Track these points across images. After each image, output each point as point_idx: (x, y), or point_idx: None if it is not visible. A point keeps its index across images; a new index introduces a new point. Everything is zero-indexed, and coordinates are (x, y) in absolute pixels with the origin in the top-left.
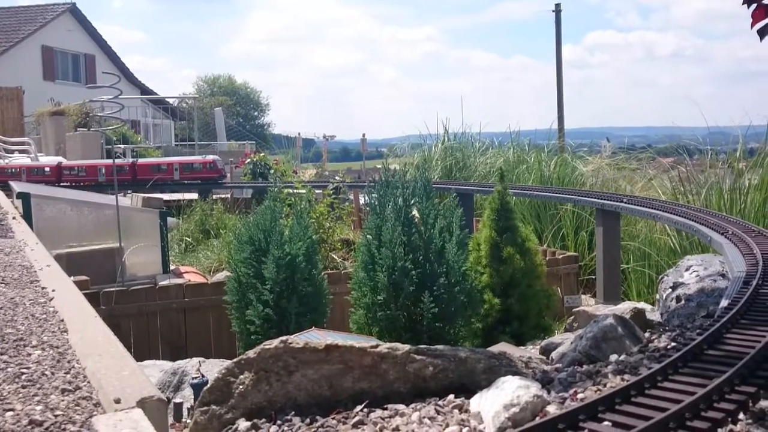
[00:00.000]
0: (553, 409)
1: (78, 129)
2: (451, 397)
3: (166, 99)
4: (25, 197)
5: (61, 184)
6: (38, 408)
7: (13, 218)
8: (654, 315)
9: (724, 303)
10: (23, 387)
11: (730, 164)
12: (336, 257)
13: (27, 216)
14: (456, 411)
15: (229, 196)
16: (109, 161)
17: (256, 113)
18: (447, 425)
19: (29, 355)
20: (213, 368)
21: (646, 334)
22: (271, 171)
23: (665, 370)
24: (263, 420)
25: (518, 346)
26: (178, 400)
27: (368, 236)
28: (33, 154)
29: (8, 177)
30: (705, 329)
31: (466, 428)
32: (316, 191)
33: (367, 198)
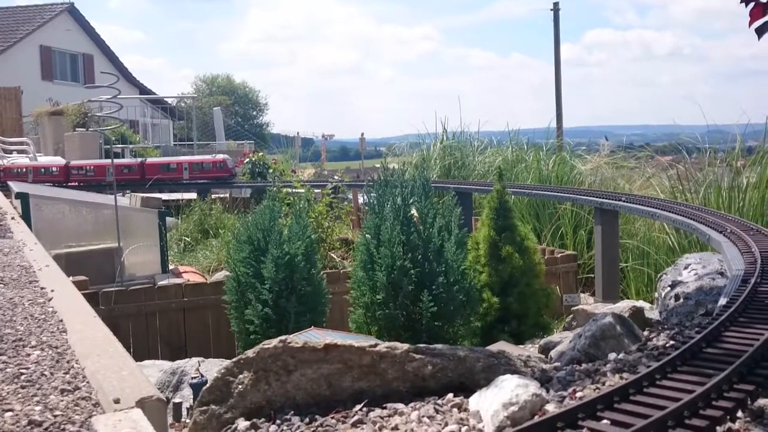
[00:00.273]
0: (552, 408)
1: (76, 129)
2: (450, 396)
3: (165, 99)
4: (23, 197)
5: (69, 184)
6: (37, 408)
7: (12, 218)
8: (653, 313)
9: (722, 301)
10: (22, 387)
11: (729, 162)
12: (335, 256)
13: (26, 216)
14: (455, 410)
15: (228, 195)
16: (118, 161)
17: (254, 113)
18: (446, 424)
19: (28, 355)
20: (212, 368)
21: (645, 333)
22: (270, 170)
23: (664, 368)
24: (262, 419)
25: (517, 345)
26: (177, 399)
27: (367, 235)
28: (32, 154)
29: (15, 177)
30: (704, 327)
31: (465, 427)
32: (315, 191)
33: (365, 197)
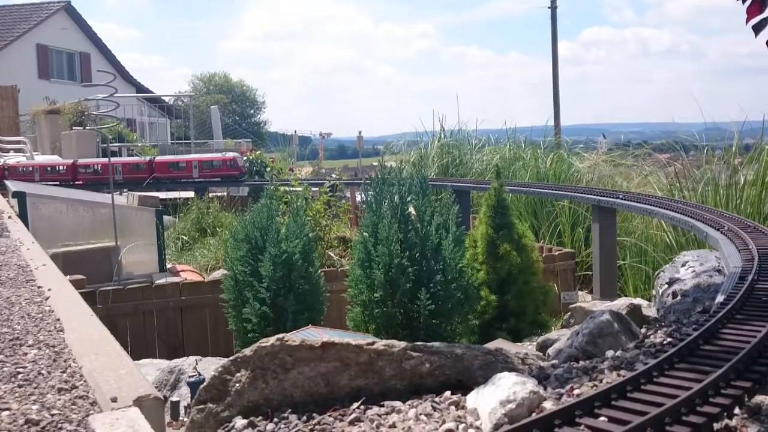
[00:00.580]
0: (549, 405)
1: (73, 127)
2: (448, 393)
3: (162, 97)
4: (20, 196)
5: (76, 182)
6: (34, 407)
7: (9, 217)
8: (650, 311)
9: (720, 298)
10: (19, 386)
11: (726, 160)
12: (333, 255)
13: (23, 215)
14: (452, 407)
15: (225, 194)
16: (126, 159)
17: (252, 111)
18: (443, 422)
19: (25, 354)
20: (210, 366)
21: (643, 330)
22: (268, 169)
23: (661, 365)
24: (260, 418)
25: (515, 343)
26: (174, 398)
27: (365, 234)
28: (29, 153)
29: (20, 176)
30: (701, 324)
31: (463, 425)
32: (313, 189)
33: (363, 195)
